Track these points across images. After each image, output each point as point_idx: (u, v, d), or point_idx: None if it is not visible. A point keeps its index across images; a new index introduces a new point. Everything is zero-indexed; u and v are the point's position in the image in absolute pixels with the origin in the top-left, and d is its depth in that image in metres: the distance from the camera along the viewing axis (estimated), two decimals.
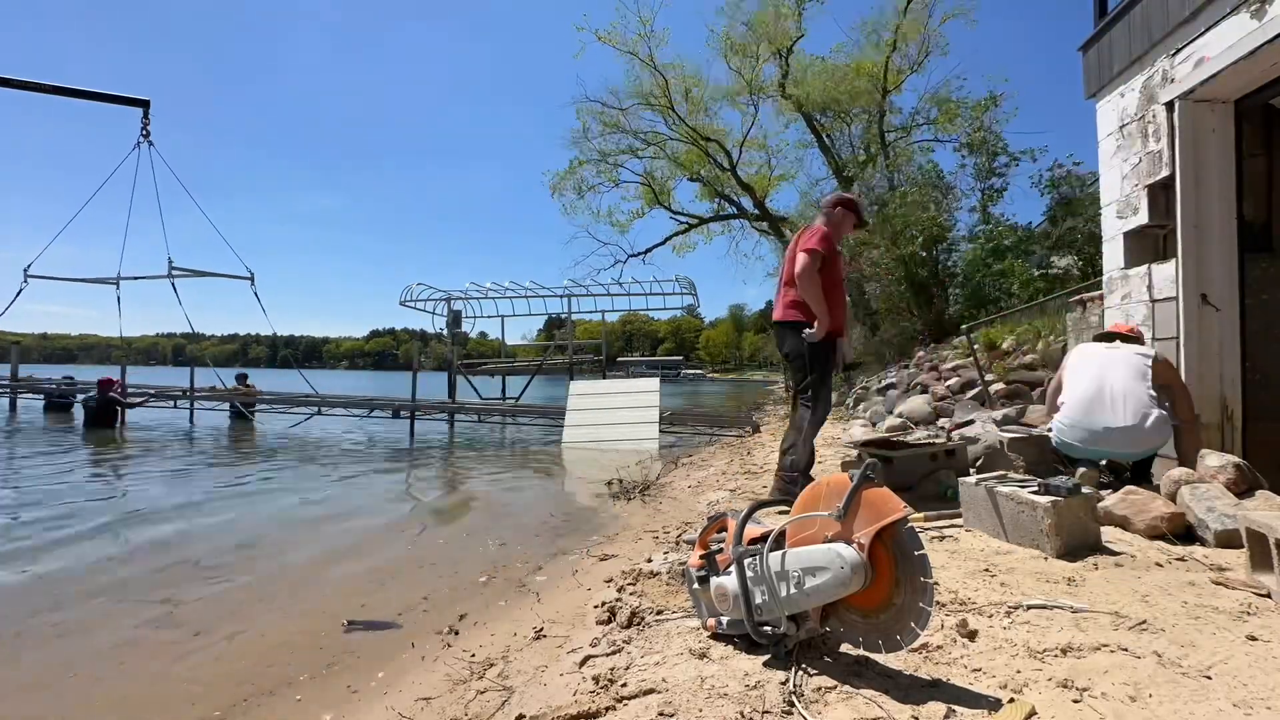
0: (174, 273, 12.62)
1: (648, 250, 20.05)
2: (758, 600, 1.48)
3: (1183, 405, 3.00)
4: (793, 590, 1.40)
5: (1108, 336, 3.30)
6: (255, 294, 13.44)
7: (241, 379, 13.60)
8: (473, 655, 2.04)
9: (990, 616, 1.68)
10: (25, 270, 12.96)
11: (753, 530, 1.58)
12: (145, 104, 12.35)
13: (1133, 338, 3.23)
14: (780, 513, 1.72)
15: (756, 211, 18.52)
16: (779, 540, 1.47)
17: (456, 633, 2.34)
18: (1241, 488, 2.50)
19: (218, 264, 13.56)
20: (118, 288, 13.15)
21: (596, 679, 1.55)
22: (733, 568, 1.53)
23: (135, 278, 13.28)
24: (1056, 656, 1.40)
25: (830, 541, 1.37)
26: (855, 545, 1.33)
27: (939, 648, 1.50)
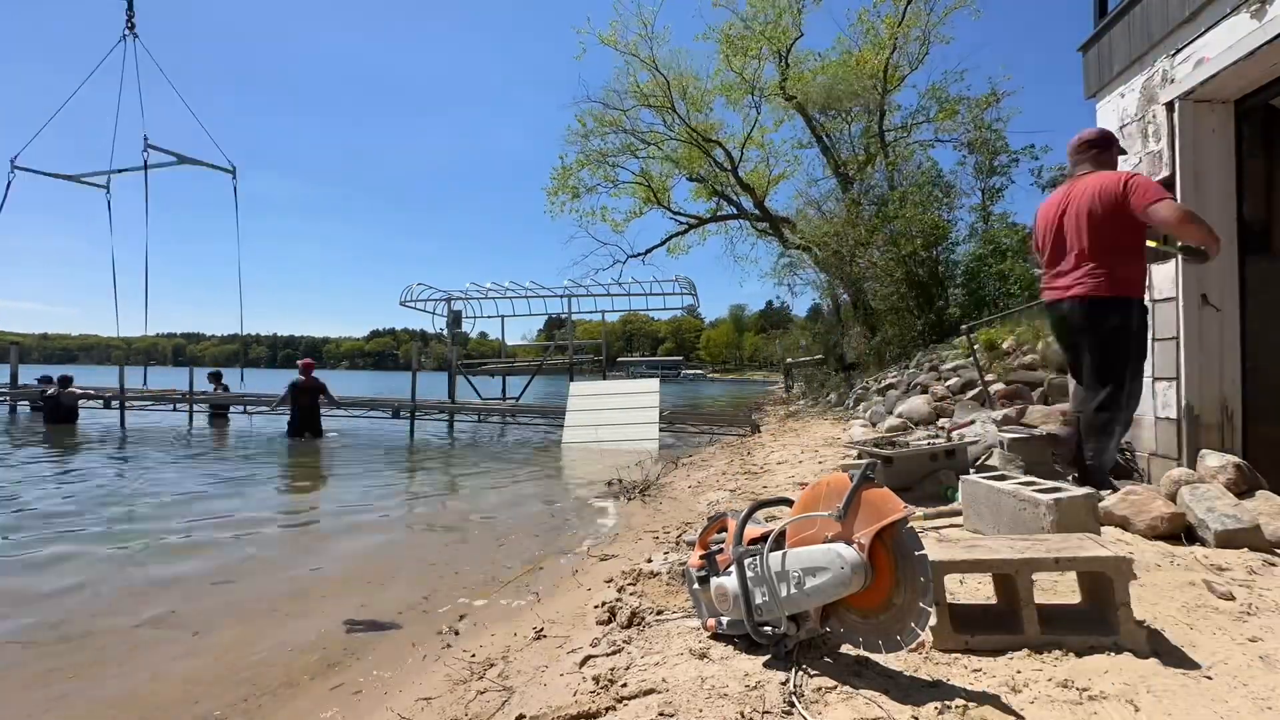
0: (149, 149, 11.79)
1: (648, 251, 20.04)
2: (758, 600, 1.48)
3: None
4: (793, 590, 1.40)
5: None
6: (235, 190, 12.78)
7: (215, 377, 13.24)
8: (473, 655, 2.04)
9: None
10: (12, 161, 12.59)
11: (753, 530, 1.58)
12: None
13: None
14: (773, 516, 1.72)
15: (757, 212, 18.51)
16: (779, 540, 1.47)
17: (456, 633, 2.34)
18: (1241, 488, 2.50)
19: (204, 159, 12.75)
20: (108, 191, 12.85)
21: (597, 679, 1.55)
22: (733, 568, 1.53)
23: (118, 171, 12.75)
24: (1056, 656, 1.40)
25: (830, 542, 1.37)
26: (855, 545, 1.33)
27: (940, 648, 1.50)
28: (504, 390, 17.50)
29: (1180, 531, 2.34)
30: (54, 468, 6.71)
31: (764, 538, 1.51)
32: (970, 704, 1.23)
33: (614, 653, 1.72)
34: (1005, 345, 7.06)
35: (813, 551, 1.38)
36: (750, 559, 1.50)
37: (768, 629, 1.49)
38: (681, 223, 19.82)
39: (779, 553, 1.45)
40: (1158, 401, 3.38)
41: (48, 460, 7.29)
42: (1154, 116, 3.39)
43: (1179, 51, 3.22)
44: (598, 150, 18.49)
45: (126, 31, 11.97)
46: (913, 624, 1.28)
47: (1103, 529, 2.33)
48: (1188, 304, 3.17)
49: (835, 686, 1.33)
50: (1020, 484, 2.40)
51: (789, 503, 1.64)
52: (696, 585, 1.70)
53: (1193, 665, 1.36)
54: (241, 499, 5.22)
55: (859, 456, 3.88)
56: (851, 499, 1.35)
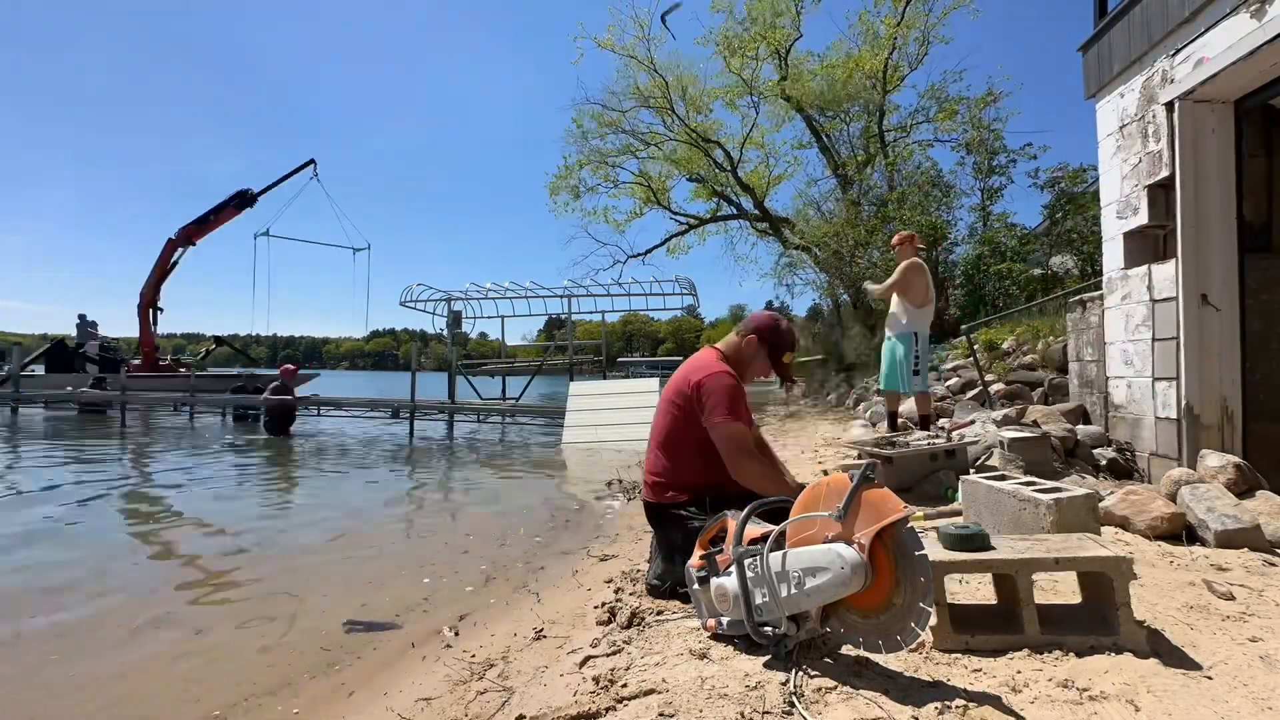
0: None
1: (648, 251, 20.08)
2: (758, 600, 1.47)
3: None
4: (793, 590, 1.40)
5: None
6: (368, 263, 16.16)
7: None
8: (473, 656, 2.04)
9: None
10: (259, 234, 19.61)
11: (753, 530, 1.58)
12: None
13: None
14: (762, 513, 1.71)
15: (757, 212, 18.51)
16: (779, 540, 1.47)
17: (457, 633, 2.34)
18: (1241, 488, 2.51)
19: None
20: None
21: (597, 679, 1.55)
22: (733, 568, 1.53)
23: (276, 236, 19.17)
24: (1057, 656, 1.40)
25: (830, 542, 1.37)
26: (855, 545, 1.32)
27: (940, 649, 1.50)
28: (504, 390, 17.49)
29: (1180, 531, 2.34)
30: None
31: (764, 538, 1.50)
32: (970, 704, 1.23)
33: (614, 653, 1.72)
34: (1005, 345, 7.06)
35: (813, 551, 1.38)
36: (750, 559, 1.49)
37: (768, 629, 1.48)
38: (681, 223, 19.82)
39: (779, 553, 1.44)
40: (1158, 401, 3.38)
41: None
42: (1154, 116, 3.39)
43: (1179, 51, 3.22)
44: (598, 150, 18.50)
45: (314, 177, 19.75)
46: (913, 624, 1.28)
47: (1103, 529, 2.33)
48: (1188, 304, 3.17)
49: (835, 687, 1.33)
50: (1020, 484, 2.40)
51: (789, 503, 1.64)
52: (696, 585, 1.69)
53: (1193, 665, 1.36)
54: (236, 499, 5.22)
55: (859, 456, 3.88)
56: (851, 499, 1.35)
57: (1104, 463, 3.53)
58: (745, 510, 1.62)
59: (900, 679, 1.36)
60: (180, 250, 18.65)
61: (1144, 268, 3.49)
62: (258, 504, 5.03)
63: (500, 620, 2.42)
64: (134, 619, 2.61)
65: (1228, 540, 2.19)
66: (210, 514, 4.60)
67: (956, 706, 1.22)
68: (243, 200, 18.87)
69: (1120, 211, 3.70)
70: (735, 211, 19.26)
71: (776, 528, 1.50)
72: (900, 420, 5.02)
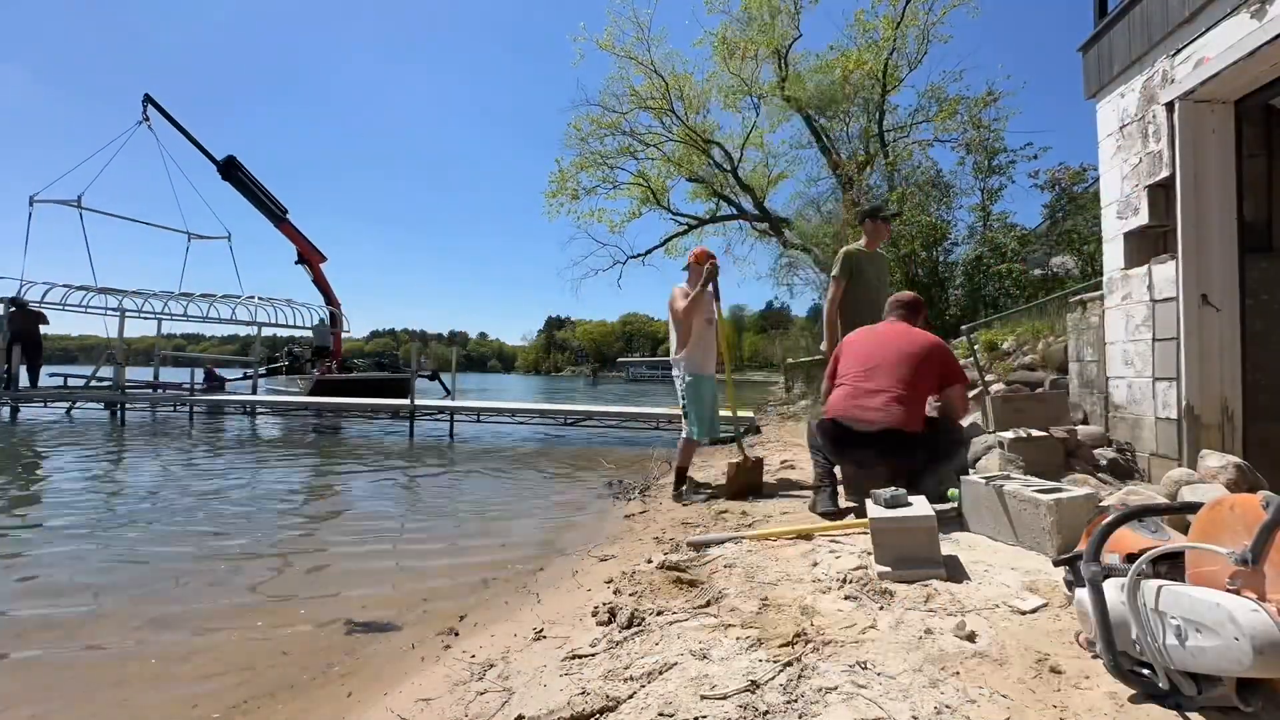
0: (83, 205, 14.53)
1: (647, 252, 20.12)
2: (1133, 635, 1.14)
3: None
4: (1170, 641, 1.04)
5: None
6: (231, 251, 16.24)
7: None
8: (473, 656, 2.04)
9: (990, 615, 1.67)
10: (31, 198, 14.66)
11: (1132, 539, 1.28)
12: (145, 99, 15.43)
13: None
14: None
15: (757, 212, 18.53)
16: (1164, 568, 1.17)
17: (456, 634, 2.34)
18: (1242, 488, 2.50)
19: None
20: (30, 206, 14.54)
21: (597, 679, 1.55)
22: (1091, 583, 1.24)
23: (47, 201, 14.78)
24: (1058, 656, 1.40)
25: (1232, 590, 1.01)
26: (1272, 609, 0.95)
27: (941, 649, 1.49)
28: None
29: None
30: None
31: (1144, 553, 1.18)
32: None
33: (614, 653, 1.72)
34: (1005, 345, 7.06)
35: (1195, 599, 1.01)
36: (1114, 581, 1.18)
37: (1147, 672, 1.13)
38: (681, 223, 19.86)
39: (1155, 584, 1.10)
40: (1158, 401, 3.38)
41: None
42: (1154, 117, 3.39)
43: (1179, 52, 3.22)
44: (597, 152, 18.51)
45: (143, 121, 15.33)
46: None
47: None
48: (1188, 304, 3.17)
49: (835, 687, 1.33)
50: (1020, 484, 2.40)
51: (1192, 509, 1.30)
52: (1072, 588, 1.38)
53: None
54: (233, 501, 5.21)
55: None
56: (1263, 540, 0.99)
57: (1104, 463, 3.52)
58: (1114, 516, 1.31)
59: (900, 679, 1.36)
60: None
61: (1144, 268, 3.48)
62: (255, 505, 5.03)
63: (500, 621, 2.42)
64: (133, 619, 2.60)
65: None
66: (205, 514, 4.59)
67: (958, 706, 1.22)
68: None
69: (1120, 212, 3.70)
70: (735, 212, 19.28)
71: (1160, 547, 1.18)
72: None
